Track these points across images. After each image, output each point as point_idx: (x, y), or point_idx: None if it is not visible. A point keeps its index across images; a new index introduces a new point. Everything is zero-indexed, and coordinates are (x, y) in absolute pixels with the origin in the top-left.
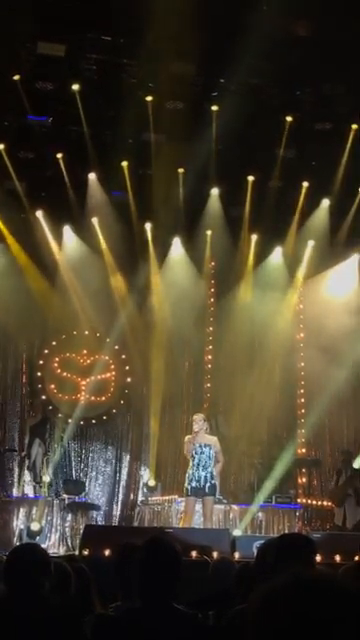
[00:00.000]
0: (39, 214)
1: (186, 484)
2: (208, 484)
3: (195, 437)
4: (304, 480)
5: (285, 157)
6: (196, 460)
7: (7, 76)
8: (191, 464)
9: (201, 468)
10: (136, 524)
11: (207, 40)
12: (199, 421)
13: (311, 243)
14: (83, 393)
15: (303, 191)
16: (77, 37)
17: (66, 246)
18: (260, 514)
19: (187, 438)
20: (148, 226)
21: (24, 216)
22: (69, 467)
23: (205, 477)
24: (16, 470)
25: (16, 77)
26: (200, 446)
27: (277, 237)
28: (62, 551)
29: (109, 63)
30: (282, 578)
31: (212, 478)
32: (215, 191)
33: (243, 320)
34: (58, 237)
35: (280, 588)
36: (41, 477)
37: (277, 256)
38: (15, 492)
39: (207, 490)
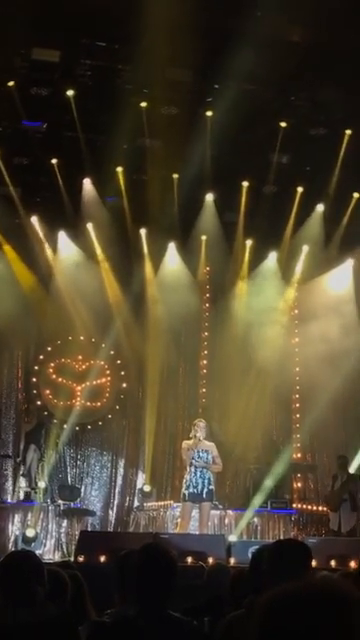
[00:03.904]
0: (34, 219)
1: (183, 489)
2: (206, 489)
3: (198, 444)
4: (299, 485)
5: (279, 162)
6: (194, 466)
7: (2, 82)
8: (189, 469)
9: (198, 474)
10: (131, 530)
11: (202, 46)
12: (203, 427)
13: (305, 248)
14: (78, 398)
15: (297, 196)
16: (72, 43)
17: (61, 251)
18: (255, 519)
19: (186, 444)
20: (143, 231)
21: (19, 221)
22: (64, 473)
23: (203, 483)
24: (11, 476)
25: (11, 83)
26: (198, 452)
27: (272, 242)
28: (57, 557)
29: (104, 69)
30: (287, 587)
31: (210, 484)
32: (210, 196)
33: (238, 325)
34: (53, 242)
35: (286, 596)
36: (36, 483)
37: (272, 261)
38: (10, 498)
39: (205, 496)
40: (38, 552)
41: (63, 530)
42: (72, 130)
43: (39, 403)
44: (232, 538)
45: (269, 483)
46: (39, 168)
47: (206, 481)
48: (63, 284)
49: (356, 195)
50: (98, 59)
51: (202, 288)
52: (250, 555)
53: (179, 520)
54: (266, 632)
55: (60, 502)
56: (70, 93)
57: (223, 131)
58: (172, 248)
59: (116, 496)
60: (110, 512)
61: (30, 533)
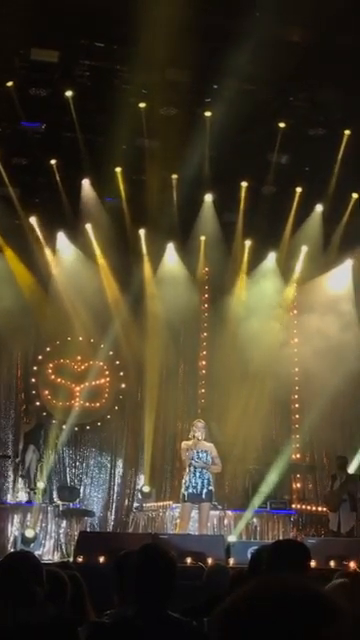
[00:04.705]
0: (33, 220)
1: (183, 490)
2: (205, 490)
3: (197, 444)
4: (299, 486)
5: (279, 163)
6: (193, 466)
7: (1, 82)
8: (188, 470)
9: (198, 474)
10: (131, 530)
11: (200, 46)
12: (202, 428)
13: (305, 248)
14: (77, 399)
15: (296, 197)
16: (70, 43)
17: (60, 252)
18: (255, 520)
19: (185, 444)
20: (142, 232)
21: (18, 222)
22: (63, 473)
23: (202, 483)
24: (10, 476)
25: (9, 83)
26: (197, 452)
27: (271, 243)
28: (57, 558)
29: (102, 69)
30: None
31: (209, 484)
32: (209, 197)
33: (237, 325)
34: (52, 243)
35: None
36: (35, 483)
37: (271, 261)
38: (9, 498)
39: (204, 496)
40: (37, 553)
41: (62, 531)
42: (71, 131)
43: (38, 404)
44: (231, 539)
45: (268, 483)
46: (38, 169)
47: (205, 481)
48: (62, 285)
49: (355, 195)
50: (97, 60)
51: (201, 288)
52: (249, 556)
53: (178, 521)
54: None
55: (59, 503)
56: (69, 94)
57: (222, 131)
58: (171, 248)
59: (115, 497)
60: (109, 513)
61: (29, 534)
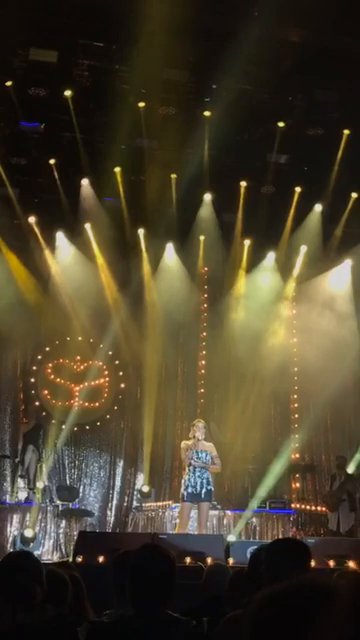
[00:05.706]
0: (32, 220)
1: (182, 490)
2: (204, 490)
3: (197, 444)
4: (298, 485)
5: (277, 162)
6: (192, 466)
7: None
8: (187, 470)
9: (197, 474)
10: (130, 530)
11: (199, 46)
12: (202, 428)
13: (304, 248)
14: (77, 399)
15: (295, 196)
16: (69, 43)
17: (59, 252)
18: (254, 520)
19: (185, 444)
20: (141, 232)
21: (17, 222)
22: (63, 473)
23: (201, 483)
24: (10, 476)
25: (8, 83)
26: (197, 452)
27: (270, 242)
28: (56, 558)
29: (101, 69)
30: (280, 586)
31: (208, 484)
32: (208, 197)
33: (236, 325)
34: (51, 243)
35: (276, 595)
36: (35, 483)
37: (270, 261)
38: (9, 499)
39: (203, 496)
40: (37, 553)
41: (62, 531)
42: (70, 130)
43: (37, 403)
44: (231, 538)
45: (268, 483)
46: (37, 168)
47: (204, 481)
48: (61, 284)
49: (354, 195)
50: (96, 59)
51: (200, 288)
52: (249, 555)
53: (178, 520)
54: (259, 632)
55: (58, 503)
56: (68, 93)
57: (221, 131)
58: (170, 248)
59: (115, 496)
60: (109, 512)
61: (28, 534)
